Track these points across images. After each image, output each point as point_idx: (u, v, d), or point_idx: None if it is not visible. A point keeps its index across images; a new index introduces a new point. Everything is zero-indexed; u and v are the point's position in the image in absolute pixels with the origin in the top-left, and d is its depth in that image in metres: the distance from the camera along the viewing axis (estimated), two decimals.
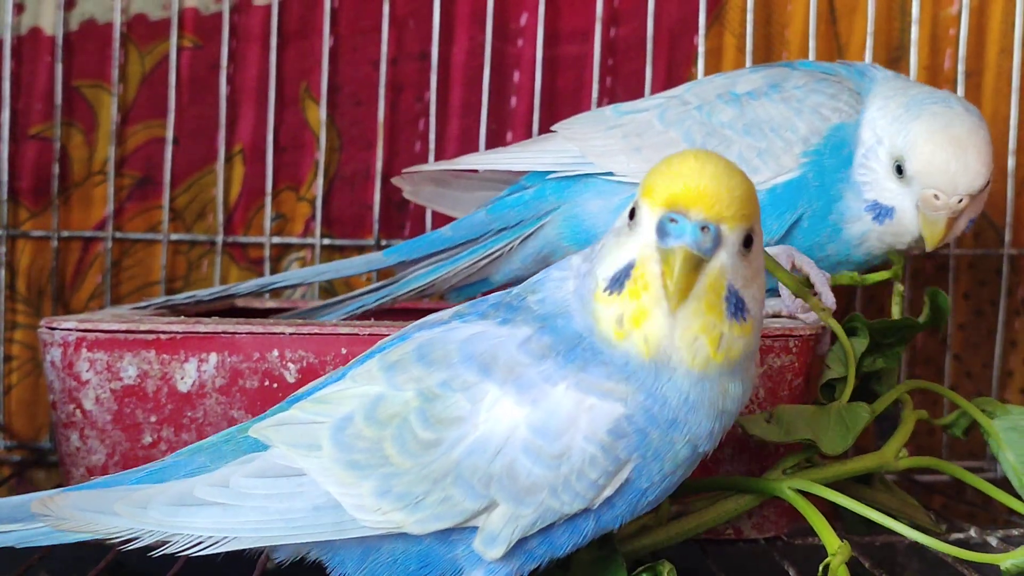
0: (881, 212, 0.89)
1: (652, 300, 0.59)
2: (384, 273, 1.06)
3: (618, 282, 0.60)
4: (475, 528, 0.62)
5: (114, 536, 0.64)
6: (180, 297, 0.97)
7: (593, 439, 0.60)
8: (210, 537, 0.63)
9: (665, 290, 0.58)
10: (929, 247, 0.89)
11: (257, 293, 0.98)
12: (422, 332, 0.65)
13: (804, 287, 0.83)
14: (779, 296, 0.87)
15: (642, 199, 0.59)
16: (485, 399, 0.61)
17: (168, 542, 0.64)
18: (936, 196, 0.87)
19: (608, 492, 0.61)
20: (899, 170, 0.88)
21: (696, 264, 0.58)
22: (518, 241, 0.94)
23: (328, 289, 1.12)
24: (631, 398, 0.60)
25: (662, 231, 0.58)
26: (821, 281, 0.85)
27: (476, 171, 1.01)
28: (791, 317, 0.86)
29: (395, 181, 1.04)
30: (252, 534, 0.63)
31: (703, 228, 0.58)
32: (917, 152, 0.87)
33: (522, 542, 0.62)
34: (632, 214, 0.60)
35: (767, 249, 0.85)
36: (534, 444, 0.60)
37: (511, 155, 0.96)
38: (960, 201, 0.87)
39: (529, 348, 0.61)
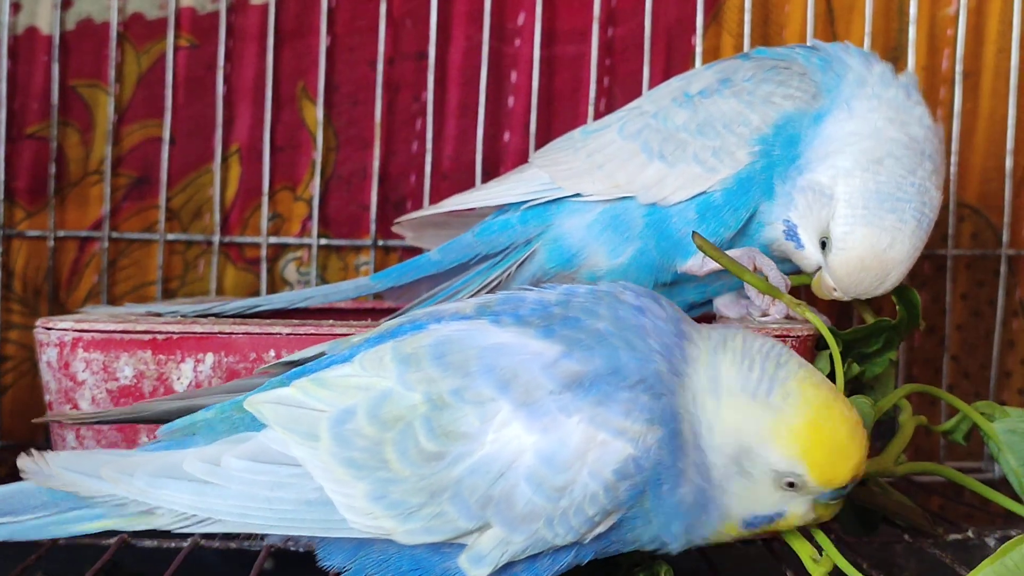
0: (794, 237, 0.88)
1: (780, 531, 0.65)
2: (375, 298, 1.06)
3: (754, 526, 0.64)
4: (463, 545, 0.61)
5: (97, 501, 0.63)
6: (162, 308, 0.95)
7: (598, 476, 0.59)
8: (193, 515, 0.62)
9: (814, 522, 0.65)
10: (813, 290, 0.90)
11: (241, 314, 0.96)
12: (440, 324, 0.64)
13: (772, 286, 0.83)
14: (747, 298, 0.88)
15: (816, 483, 0.62)
16: (496, 418, 0.59)
17: (152, 515, 0.63)
18: (833, 288, 0.88)
19: (600, 530, 0.61)
20: (823, 244, 0.88)
21: None
22: (514, 267, 0.93)
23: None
24: (644, 440, 0.59)
25: (829, 499, 0.63)
26: (779, 283, 0.86)
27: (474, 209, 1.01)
28: (762, 316, 0.87)
29: (396, 230, 1.04)
30: (237, 519, 0.61)
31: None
32: (843, 255, 0.86)
33: (510, 566, 0.61)
34: (790, 484, 0.62)
35: (731, 252, 0.86)
36: (538, 473, 0.59)
37: (488, 192, 0.95)
38: (848, 297, 0.88)
39: (555, 373, 0.60)
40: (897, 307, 0.87)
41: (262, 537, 0.67)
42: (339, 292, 0.98)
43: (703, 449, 0.61)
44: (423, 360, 0.61)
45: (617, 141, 0.92)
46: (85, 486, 0.62)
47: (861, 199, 0.86)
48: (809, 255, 0.88)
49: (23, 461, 0.63)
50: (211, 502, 0.61)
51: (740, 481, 0.62)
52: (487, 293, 0.92)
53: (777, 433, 0.61)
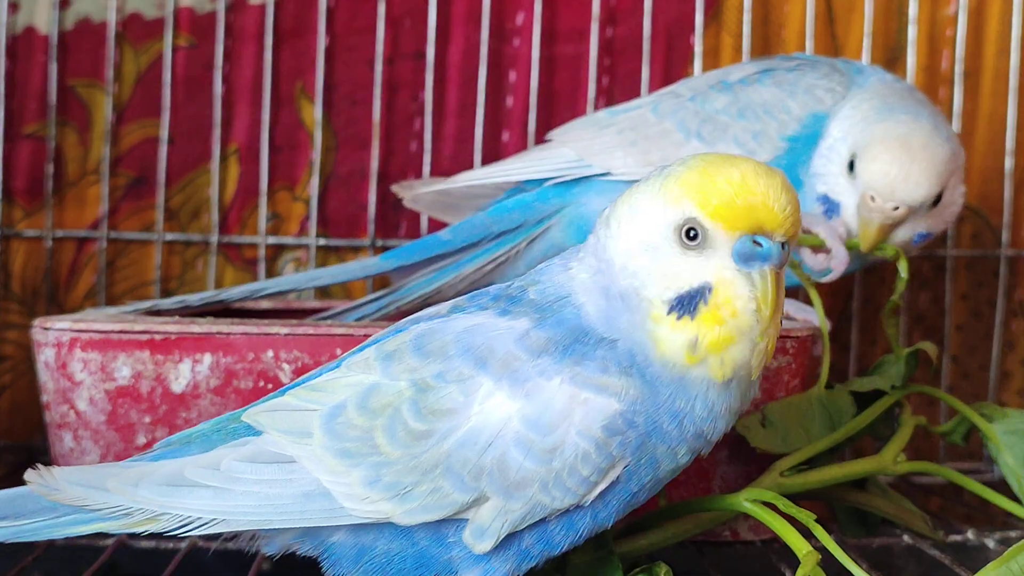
0: (830, 207, 0.89)
1: (740, 326, 0.59)
2: (381, 279, 1.05)
3: (687, 306, 0.59)
4: (466, 522, 0.61)
5: (104, 511, 0.64)
6: (168, 302, 0.95)
7: (587, 434, 0.60)
8: (199, 518, 0.63)
9: (759, 315, 0.58)
10: (863, 248, 0.89)
11: (248, 299, 0.97)
12: (420, 324, 0.65)
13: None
14: None
15: (712, 221, 0.58)
16: (479, 392, 0.60)
17: (157, 521, 0.63)
18: (872, 198, 0.87)
19: (600, 488, 0.61)
20: (851, 166, 0.88)
21: (781, 284, 0.59)
22: (524, 244, 0.93)
23: (325, 291, 1.12)
24: (627, 393, 0.60)
25: (747, 255, 0.58)
26: (832, 236, 0.88)
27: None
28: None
29: (395, 189, 1.03)
30: (242, 517, 0.63)
31: (782, 245, 0.58)
32: (868, 151, 0.87)
33: (517, 539, 0.62)
34: (690, 234, 0.59)
35: None
36: (526, 437, 0.60)
37: (508, 167, 0.95)
38: (896, 208, 0.87)
39: (527, 343, 0.61)
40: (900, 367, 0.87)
41: (262, 552, 0.68)
42: (347, 272, 0.98)
43: (608, 253, 0.61)
44: (404, 354, 0.63)
45: (650, 119, 0.92)
46: (92, 498, 0.64)
47: (874, 110, 0.89)
48: (849, 204, 0.89)
49: (29, 475, 0.65)
50: (216, 504, 0.63)
51: (644, 257, 0.60)
52: (492, 270, 0.93)
53: (666, 188, 0.60)
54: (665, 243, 0.60)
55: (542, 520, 0.61)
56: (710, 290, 0.59)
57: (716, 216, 0.58)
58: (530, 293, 0.63)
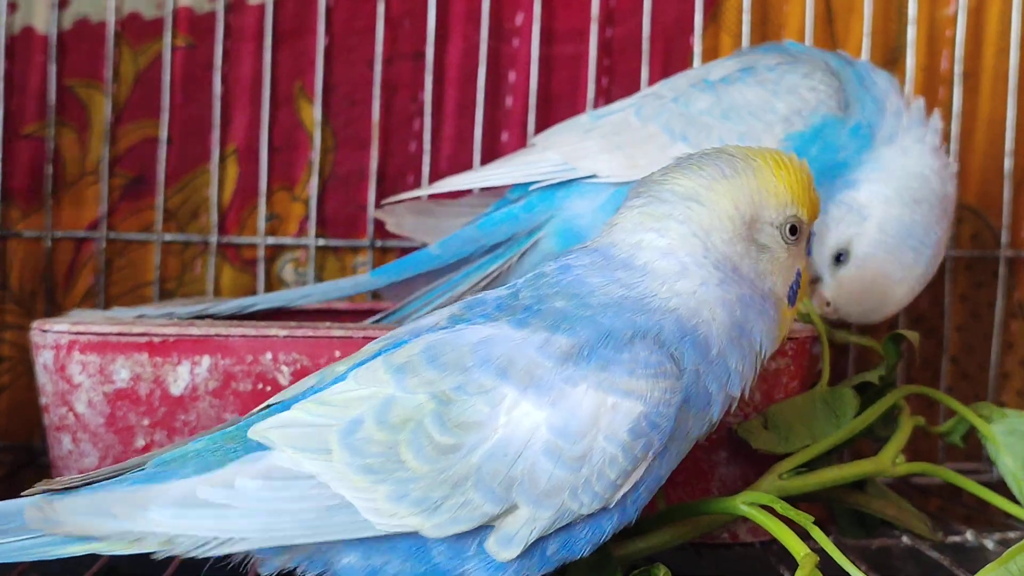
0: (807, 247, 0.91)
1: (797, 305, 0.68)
2: (374, 294, 1.05)
3: (791, 298, 0.67)
4: (489, 529, 0.61)
5: (112, 539, 0.62)
6: (154, 311, 0.93)
7: (614, 439, 0.60)
8: (215, 538, 0.62)
9: (805, 291, 0.68)
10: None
11: (236, 314, 0.96)
12: (424, 335, 0.64)
13: None
14: None
15: (803, 217, 0.67)
16: (504, 403, 0.60)
17: (172, 544, 0.62)
18: (828, 304, 0.92)
19: (624, 490, 0.61)
20: (837, 257, 0.92)
21: None
22: (516, 258, 0.93)
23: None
24: (651, 395, 0.60)
25: (808, 245, 0.69)
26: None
27: (459, 196, 1.00)
28: None
29: (377, 215, 1.03)
30: (260, 534, 0.61)
31: None
32: (855, 274, 0.91)
33: (541, 545, 0.61)
34: (793, 230, 0.66)
35: None
36: (555, 446, 0.60)
37: (491, 173, 0.95)
38: (837, 316, 0.93)
39: (549, 351, 0.60)
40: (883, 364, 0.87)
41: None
42: (338, 289, 0.98)
43: (712, 259, 0.65)
44: (418, 366, 0.62)
45: (634, 123, 0.92)
46: (99, 527, 0.62)
47: (894, 229, 0.89)
48: (812, 263, 0.89)
49: (29, 512, 0.62)
50: (233, 523, 0.61)
51: (760, 254, 0.66)
52: (486, 285, 0.92)
53: (765, 189, 0.66)
54: (776, 242, 0.66)
55: (567, 525, 0.61)
56: (800, 277, 0.67)
57: (804, 209, 0.67)
58: (556, 302, 0.63)
